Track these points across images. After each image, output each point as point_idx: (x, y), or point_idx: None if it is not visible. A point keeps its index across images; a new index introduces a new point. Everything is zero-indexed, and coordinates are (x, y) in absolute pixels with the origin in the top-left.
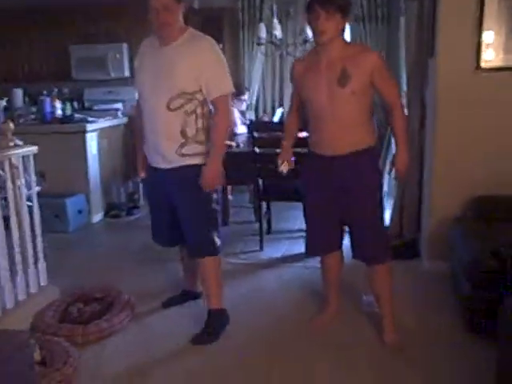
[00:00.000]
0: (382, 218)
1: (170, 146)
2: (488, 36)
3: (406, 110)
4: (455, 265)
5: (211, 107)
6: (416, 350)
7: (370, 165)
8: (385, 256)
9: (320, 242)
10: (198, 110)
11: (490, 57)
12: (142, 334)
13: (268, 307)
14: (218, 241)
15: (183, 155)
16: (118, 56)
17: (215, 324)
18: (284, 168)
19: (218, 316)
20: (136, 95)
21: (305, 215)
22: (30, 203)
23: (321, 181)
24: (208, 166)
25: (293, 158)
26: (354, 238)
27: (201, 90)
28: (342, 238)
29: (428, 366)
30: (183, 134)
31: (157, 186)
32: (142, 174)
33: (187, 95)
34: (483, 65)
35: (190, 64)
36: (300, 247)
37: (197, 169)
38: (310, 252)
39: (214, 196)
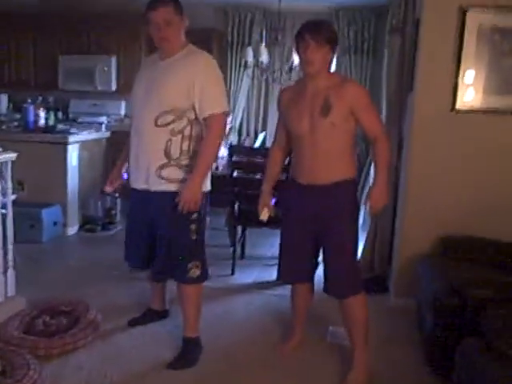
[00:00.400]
0: (355, 251)
1: (151, 164)
2: (467, 76)
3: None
4: (421, 301)
5: (202, 128)
6: None
7: (348, 197)
8: (357, 288)
9: (292, 269)
10: (186, 131)
11: (468, 97)
12: (106, 351)
13: (235, 332)
14: (192, 272)
15: (161, 177)
16: (106, 69)
17: (192, 351)
18: (264, 216)
19: (194, 344)
20: (121, 110)
21: (280, 241)
22: (3, 211)
23: (298, 209)
24: (188, 185)
25: (273, 200)
26: (327, 269)
27: (193, 109)
28: (314, 270)
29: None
30: (166, 154)
31: (136, 208)
32: (108, 188)
33: (177, 112)
34: (459, 107)
35: (183, 79)
36: (271, 274)
37: (175, 196)
38: (282, 278)
39: (193, 227)
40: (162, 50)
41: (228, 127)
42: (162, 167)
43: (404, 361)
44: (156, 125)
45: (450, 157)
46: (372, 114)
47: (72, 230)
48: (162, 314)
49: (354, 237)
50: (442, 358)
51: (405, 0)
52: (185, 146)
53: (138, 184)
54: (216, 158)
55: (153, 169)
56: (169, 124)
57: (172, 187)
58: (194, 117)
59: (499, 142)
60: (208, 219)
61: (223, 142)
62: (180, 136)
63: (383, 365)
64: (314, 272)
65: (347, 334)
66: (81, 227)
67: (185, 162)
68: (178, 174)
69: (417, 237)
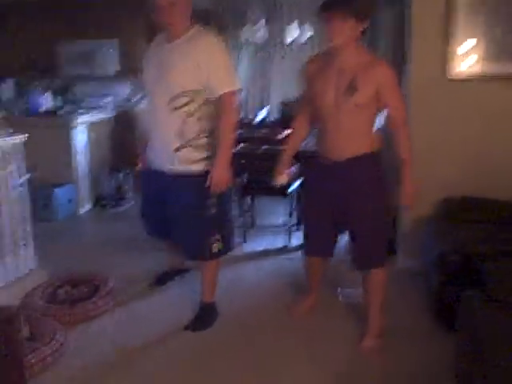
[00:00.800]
0: (383, 226)
1: (167, 148)
2: (459, 45)
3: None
4: (426, 262)
5: (216, 107)
6: (387, 340)
7: (371, 170)
8: (379, 262)
9: (317, 244)
10: (201, 112)
11: (461, 65)
12: (126, 316)
13: (247, 297)
14: (215, 246)
15: (179, 160)
16: (110, 50)
17: (208, 315)
18: (279, 181)
19: (211, 308)
20: (126, 90)
21: (304, 217)
22: (21, 188)
23: (321, 184)
24: (216, 167)
25: (292, 169)
26: (354, 243)
27: (203, 90)
28: (335, 244)
29: (397, 355)
30: (181, 135)
31: (149, 186)
32: (140, 165)
33: (189, 94)
34: (452, 74)
35: (192, 62)
36: (282, 241)
37: (192, 178)
38: (309, 252)
39: (209, 202)
40: (168, 32)
41: (238, 95)
42: (177, 149)
43: (412, 315)
44: (171, 108)
45: (448, 122)
46: (398, 99)
47: (85, 207)
48: (182, 272)
49: (381, 210)
50: (447, 311)
51: None
52: (201, 126)
53: (156, 164)
54: (235, 133)
55: (168, 151)
56: (183, 106)
57: (189, 168)
58: (205, 98)
59: (492, 106)
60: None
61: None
62: (195, 117)
63: (393, 319)
64: (335, 246)
65: (364, 302)
66: (94, 204)
67: (201, 141)
68: (195, 155)
69: (421, 200)
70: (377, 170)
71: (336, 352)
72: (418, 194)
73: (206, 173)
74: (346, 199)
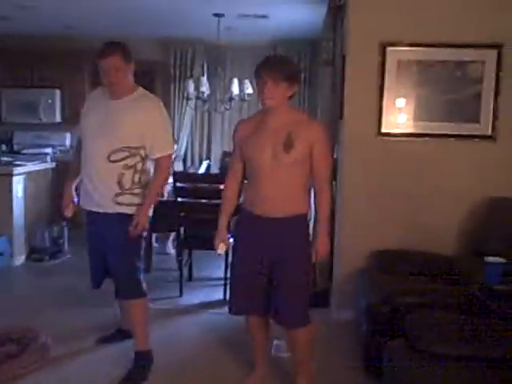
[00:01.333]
0: (306, 286)
1: (105, 195)
2: (390, 105)
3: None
4: (358, 312)
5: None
6: None
7: (302, 231)
8: (308, 319)
9: (245, 301)
10: (139, 166)
11: (392, 123)
12: (57, 375)
13: (181, 351)
14: (144, 285)
15: (118, 203)
16: (50, 101)
17: (143, 365)
18: (221, 250)
19: (145, 357)
20: (67, 141)
21: (232, 273)
22: None
23: (252, 241)
24: (142, 212)
25: (229, 236)
26: (278, 300)
27: (142, 148)
28: (269, 301)
29: None
30: (120, 184)
31: (91, 228)
32: (67, 213)
33: (131, 149)
34: (384, 131)
35: (136, 121)
36: (218, 294)
37: (128, 218)
38: (233, 311)
39: (143, 243)
40: (111, 91)
41: (173, 156)
42: (117, 195)
43: (343, 366)
44: (109, 160)
45: (380, 177)
46: (327, 161)
47: (19, 260)
48: (130, 334)
49: (308, 269)
50: (376, 361)
51: (333, 36)
52: (136, 179)
53: (91, 207)
54: (162, 189)
55: (108, 197)
56: (122, 160)
57: (126, 210)
58: (144, 154)
59: (421, 163)
60: (156, 245)
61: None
62: (132, 170)
63: (324, 370)
64: (269, 304)
65: (292, 359)
66: (28, 257)
67: (137, 191)
68: (132, 199)
69: (353, 253)
70: (306, 231)
71: None
72: (328, 251)
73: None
74: (276, 255)
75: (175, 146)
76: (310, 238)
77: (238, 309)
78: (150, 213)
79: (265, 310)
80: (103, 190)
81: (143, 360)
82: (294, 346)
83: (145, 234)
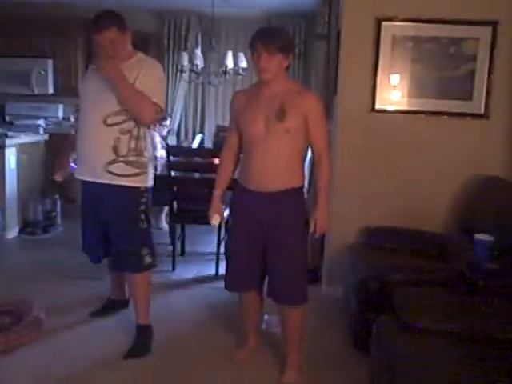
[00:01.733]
0: (304, 262)
1: (99, 160)
2: (384, 81)
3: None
4: (347, 288)
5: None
6: (308, 367)
7: (297, 205)
8: (305, 297)
9: (242, 277)
10: (134, 131)
11: (386, 99)
12: (50, 346)
13: (175, 325)
14: (147, 259)
15: (110, 172)
16: (42, 72)
17: (145, 338)
18: (216, 221)
19: (146, 331)
20: (59, 113)
21: (228, 249)
22: None
23: (246, 215)
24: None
25: (224, 208)
26: (275, 276)
27: None
28: (263, 277)
29: (315, 381)
30: (115, 150)
31: (87, 200)
32: (57, 177)
33: (125, 113)
34: (377, 107)
35: (140, 84)
36: (211, 269)
37: (124, 190)
38: (230, 288)
39: (142, 216)
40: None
41: (166, 130)
42: (110, 163)
43: (332, 341)
44: (105, 123)
45: (372, 153)
46: (323, 130)
47: (12, 233)
48: (122, 304)
49: (304, 244)
50: (364, 336)
51: (328, 10)
52: (132, 144)
53: (85, 176)
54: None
55: (101, 164)
56: (119, 124)
57: (120, 181)
58: None
59: (411, 139)
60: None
61: (159, 141)
62: (128, 135)
63: (313, 345)
64: (263, 279)
65: (283, 336)
66: (21, 230)
67: (132, 158)
68: (125, 169)
69: (344, 229)
70: (302, 204)
71: None
72: (329, 224)
73: (135, 189)
74: (272, 230)
75: (168, 120)
76: (307, 211)
77: (235, 286)
78: (148, 182)
79: (260, 287)
80: (97, 156)
81: (144, 333)
82: (287, 323)
83: (142, 207)
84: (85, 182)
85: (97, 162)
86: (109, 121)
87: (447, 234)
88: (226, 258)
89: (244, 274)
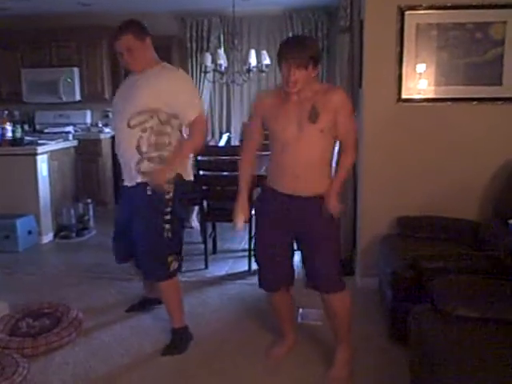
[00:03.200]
0: (338, 249)
1: (130, 163)
2: (410, 70)
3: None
4: (381, 278)
5: (184, 129)
6: None
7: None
8: (340, 284)
9: (275, 277)
10: (155, 127)
11: (412, 89)
12: (89, 346)
13: (211, 322)
14: (173, 265)
15: (141, 172)
16: (69, 80)
17: (179, 341)
18: (240, 224)
19: (181, 333)
20: (87, 119)
21: (256, 251)
22: None
23: (276, 219)
24: (159, 170)
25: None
26: (308, 267)
27: (160, 109)
28: (293, 274)
29: (355, 371)
30: (138, 149)
31: (122, 203)
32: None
33: (149, 112)
34: (404, 98)
35: (156, 89)
36: (243, 265)
37: (146, 186)
38: (264, 287)
39: (167, 226)
40: (132, 70)
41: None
42: (138, 162)
43: (369, 333)
44: (129, 126)
45: (400, 144)
46: (351, 123)
47: (47, 238)
48: (157, 301)
49: (337, 235)
50: (401, 327)
51: (350, 2)
52: (152, 140)
53: (126, 181)
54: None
55: (132, 167)
56: (141, 123)
57: (144, 179)
58: (165, 118)
59: (442, 128)
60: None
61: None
62: (148, 132)
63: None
64: (293, 275)
65: (331, 328)
66: (55, 235)
67: (153, 154)
68: (149, 166)
69: (376, 219)
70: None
71: (304, 380)
72: (337, 204)
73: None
74: (303, 228)
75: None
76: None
77: (268, 286)
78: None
79: (292, 281)
80: (128, 160)
81: (180, 336)
82: (332, 314)
83: (166, 217)
84: (124, 186)
85: (129, 166)
86: (131, 122)
87: (482, 221)
88: (255, 258)
89: (273, 276)
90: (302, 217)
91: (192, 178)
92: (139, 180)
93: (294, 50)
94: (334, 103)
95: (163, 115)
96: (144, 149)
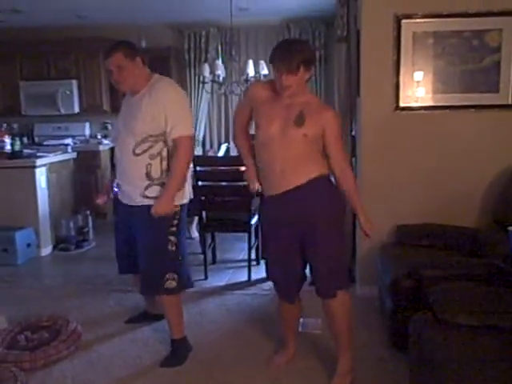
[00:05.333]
0: (342, 247)
1: (135, 189)
2: (407, 78)
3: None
4: (381, 287)
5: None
6: None
7: (327, 191)
8: (343, 283)
9: (288, 290)
10: (164, 153)
11: (409, 97)
12: (88, 359)
13: (209, 333)
14: (168, 283)
15: (147, 197)
16: (67, 92)
17: (178, 352)
18: (254, 186)
19: (180, 344)
20: (86, 131)
21: (268, 267)
22: None
23: (278, 222)
24: (158, 201)
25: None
26: (315, 270)
27: (164, 134)
28: (302, 282)
29: (356, 380)
30: (148, 176)
31: (122, 220)
32: (100, 200)
33: (152, 138)
34: (401, 106)
35: (150, 109)
36: (243, 275)
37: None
38: (281, 297)
39: (172, 238)
40: (124, 90)
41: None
42: (146, 188)
43: (369, 341)
44: (134, 154)
45: (398, 152)
46: (340, 144)
47: (46, 250)
48: (159, 317)
49: (341, 230)
50: (401, 335)
51: (347, 11)
52: (164, 166)
53: (125, 201)
54: (185, 175)
55: (137, 192)
56: (146, 151)
57: (150, 202)
58: (166, 139)
59: (440, 136)
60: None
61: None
62: (159, 158)
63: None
64: (302, 284)
65: (332, 335)
66: (54, 247)
67: (165, 179)
68: (158, 190)
69: (375, 228)
70: (334, 190)
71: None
72: (372, 222)
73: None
74: (305, 224)
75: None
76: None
77: (287, 298)
78: (182, 199)
79: (300, 289)
80: (133, 186)
81: (179, 346)
82: (330, 317)
83: (172, 228)
84: (121, 203)
85: (134, 192)
86: (137, 150)
87: (480, 228)
88: (266, 266)
89: (284, 284)
90: (302, 208)
91: (190, 197)
92: (145, 203)
93: (284, 55)
94: (324, 120)
95: (164, 138)
96: (155, 175)
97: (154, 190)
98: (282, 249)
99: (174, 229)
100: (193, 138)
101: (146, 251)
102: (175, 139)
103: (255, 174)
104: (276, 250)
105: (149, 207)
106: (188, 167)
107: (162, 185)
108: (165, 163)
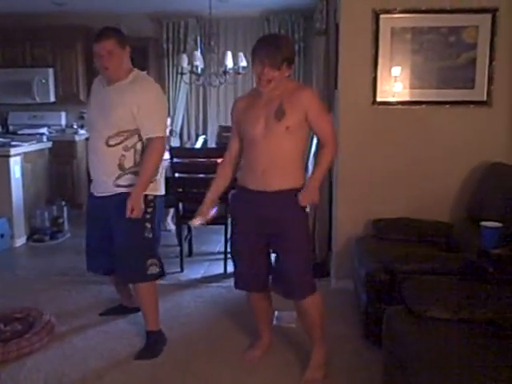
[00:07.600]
0: (309, 253)
1: (107, 179)
2: (384, 73)
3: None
4: (356, 280)
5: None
6: None
7: (299, 205)
8: (313, 287)
9: (247, 279)
10: (138, 146)
11: (387, 92)
12: (62, 351)
13: (185, 325)
14: (152, 268)
15: (118, 186)
16: (43, 81)
17: (153, 344)
18: (195, 222)
19: (155, 337)
20: (62, 120)
21: (233, 249)
22: None
23: (248, 216)
24: (132, 197)
25: (214, 209)
26: (281, 273)
27: (138, 129)
28: (268, 275)
29: (330, 372)
30: (120, 167)
31: (94, 212)
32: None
33: (127, 132)
34: (378, 100)
35: (128, 105)
36: (219, 268)
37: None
38: (239, 287)
39: (148, 225)
40: (106, 77)
41: (168, 130)
42: (118, 177)
43: (343, 335)
44: (108, 145)
45: (375, 146)
46: (325, 119)
47: (20, 241)
48: (133, 310)
49: (308, 239)
50: (375, 329)
51: (326, 5)
52: (137, 158)
53: (97, 191)
54: (156, 172)
55: (110, 182)
56: (121, 143)
57: (126, 190)
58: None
59: (414, 130)
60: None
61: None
62: (132, 150)
63: (325, 340)
64: (268, 277)
65: (304, 330)
66: (28, 238)
67: (137, 169)
68: (133, 180)
69: (351, 222)
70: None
71: (280, 382)
72: (317, 197)
73: (145, 196)
74: (274, 227)
75: (168, 120)
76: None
77: (243, 285)
78: (156, 191)
79: (267, 285)
80: (106, 177)
81: (154, 339)
82: (303, 315)
83: (147, 216)
84: (92, 196)
85: (106, 182)
86: (110, 142)
87: (455, 223)
88: (232, 257)
89: (250, 276)
90: (274, 214)
91: (163, 192)
92: (118, 191)
93: (269, 49)
94: (302, 102)
95: (138, 132)
96: (127, 166)
97: (126, 179)
98: (249, 241)
99: (148, 216)
100: (165, 139)
101: (124, 240)
102: (149, 139)
103: (205, 211)
104: (243, 240)
105: (122, 195)
106: (158, 166)
107: (135, 173)
108: (138, 156)
